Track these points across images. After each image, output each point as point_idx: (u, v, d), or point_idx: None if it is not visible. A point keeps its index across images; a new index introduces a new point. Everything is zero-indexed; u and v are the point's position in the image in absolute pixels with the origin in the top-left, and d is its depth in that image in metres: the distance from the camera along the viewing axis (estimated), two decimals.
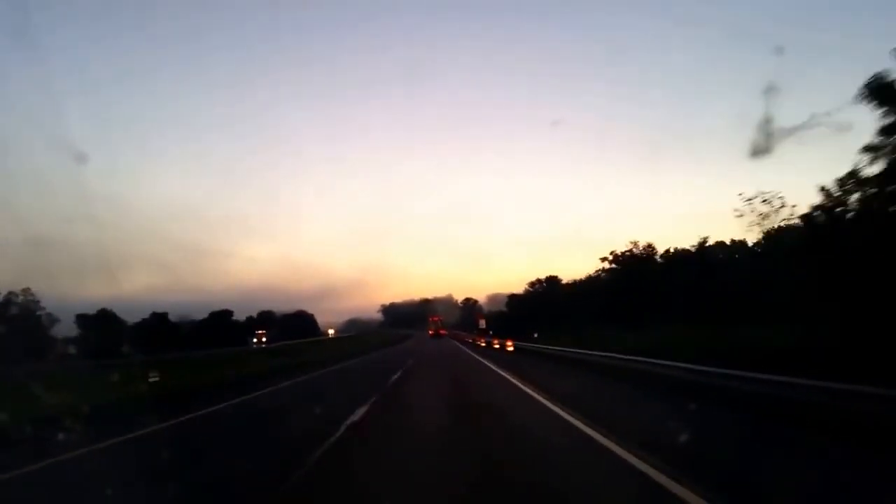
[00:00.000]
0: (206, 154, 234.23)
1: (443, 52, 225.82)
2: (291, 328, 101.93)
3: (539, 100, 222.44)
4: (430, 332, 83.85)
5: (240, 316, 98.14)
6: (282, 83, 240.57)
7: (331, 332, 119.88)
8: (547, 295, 77.38)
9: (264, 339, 63.00)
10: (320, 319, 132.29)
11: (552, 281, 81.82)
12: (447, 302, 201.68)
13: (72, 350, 55.61)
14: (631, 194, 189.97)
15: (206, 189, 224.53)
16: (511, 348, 30.93)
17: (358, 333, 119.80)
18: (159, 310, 72.91)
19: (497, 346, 36.60)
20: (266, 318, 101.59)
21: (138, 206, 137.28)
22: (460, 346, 48.93)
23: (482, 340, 45.94)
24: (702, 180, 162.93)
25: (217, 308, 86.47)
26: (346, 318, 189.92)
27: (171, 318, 75.20)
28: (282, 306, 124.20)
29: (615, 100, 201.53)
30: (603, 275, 53.80)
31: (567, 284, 77.71)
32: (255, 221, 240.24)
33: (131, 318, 70.68)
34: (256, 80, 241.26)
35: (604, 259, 52.18)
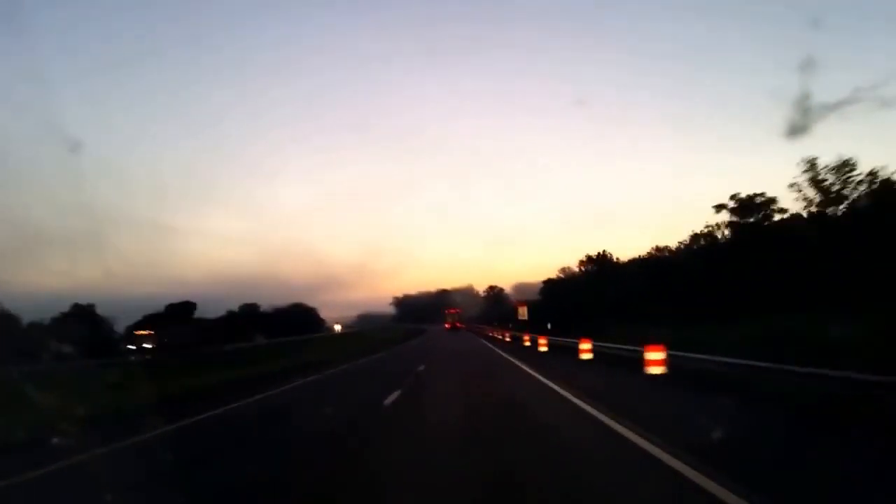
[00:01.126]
0: (189, 128, 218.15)
1: (451, 28, 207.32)
2: (290, 323, 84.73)
3: (562, 77, 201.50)
4: (447, 326, 77.91)
5: (219, 310, 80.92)
6: (281, 55, 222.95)
7: (337, 327, 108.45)
8: (599, 277, 57.96)
9: (146, 346, 43.91)
10: (329, 314, 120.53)
11: (603, 260, 62.01)
12: (467, 293, 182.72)
13: None
14: (660, 175, 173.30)
15: (186, 166, 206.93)
16: (660, 370, 11.60)
17: (361, 330, 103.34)
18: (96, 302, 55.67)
19: (586, 356, 17.61)
20: (250, 313, 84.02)
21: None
22: (496, 352, 29.39)
23: (532, 341, 26.47)
24: (734, 160, 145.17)
25: (178, 300, 68.61)
26: (357, 311, 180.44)
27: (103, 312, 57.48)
28: (282, 299, 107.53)
29: (642, 76, 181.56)
30: (718, 233, 34.41)
31: (626, 262, 57.98)
32: (247, 206, 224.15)
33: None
34: (250, 52, 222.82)
35: (721, 207, 32.44)
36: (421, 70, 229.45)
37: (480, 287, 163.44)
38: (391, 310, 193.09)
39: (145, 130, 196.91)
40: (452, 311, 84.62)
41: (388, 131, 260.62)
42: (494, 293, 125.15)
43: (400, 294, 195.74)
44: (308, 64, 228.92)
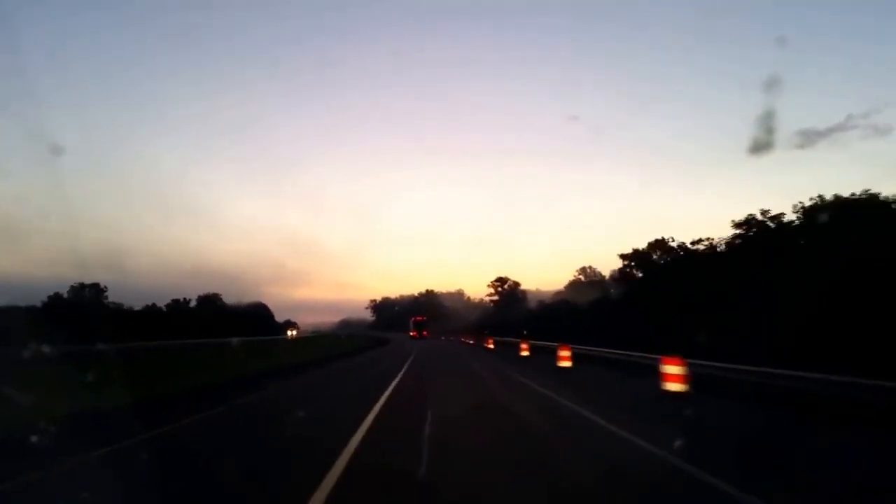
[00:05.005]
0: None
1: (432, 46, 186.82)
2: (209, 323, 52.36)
3: (552, 93, 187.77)
4: (413, 334, 78.76)
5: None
6: (268, 71, 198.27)
7: (292, 333, 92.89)
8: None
9: None
10: (307, 318, 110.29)
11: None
12: (457, 298, 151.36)
13: None
14: (656, 192, 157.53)
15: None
16: None
17: (317, 338, 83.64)
18: None
19: None
20: (84, 302, 49.37)
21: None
22: None
23: None
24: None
25: None
26: (342, 316, 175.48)
27: None
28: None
29: (626, 97, 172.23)
30: None
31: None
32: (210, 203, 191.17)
33: None
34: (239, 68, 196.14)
35: None
36: (421, 74, 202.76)
37: (473, 293, 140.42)
38: (368, 314, 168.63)
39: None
40: (418, 318, 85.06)
41: (372, 153, 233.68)
42: (506, 290, 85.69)
43: (378, 297, 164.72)
44: (288, 65, 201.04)
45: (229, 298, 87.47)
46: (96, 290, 49.66)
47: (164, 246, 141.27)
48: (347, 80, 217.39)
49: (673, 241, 33.58)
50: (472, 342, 50.47)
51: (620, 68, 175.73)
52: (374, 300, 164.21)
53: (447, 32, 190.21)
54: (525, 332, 27.14)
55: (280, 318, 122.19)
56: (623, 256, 37.78)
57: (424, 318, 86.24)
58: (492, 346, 36.14)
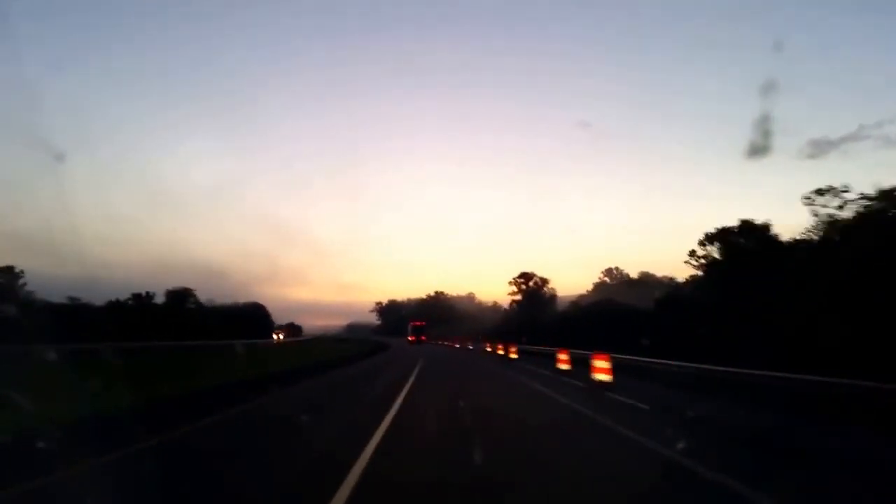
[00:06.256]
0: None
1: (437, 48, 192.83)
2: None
3: (561, 101, 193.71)
4: (412, 339, 75.36)
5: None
6: (269, 66, 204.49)
7: (277, 337, 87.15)
8: None
9: None
10: (315, 321, 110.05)
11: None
12: (467, 301, 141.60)
13: None
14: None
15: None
16: None
17: (310, 341, 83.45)
18: None
19: None
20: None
21: None
22: None
23: None
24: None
25: None
26: (349, 320, 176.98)
27: None
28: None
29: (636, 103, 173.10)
30: None
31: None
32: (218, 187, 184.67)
33: None
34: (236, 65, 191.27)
35: None
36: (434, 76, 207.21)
37: (484, 296, 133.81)
38: (374, 317, 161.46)
39: None
40: (417, 323, 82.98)
41: (381, 154, 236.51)
42: (532, 288, 72.55)
43: (385, 300, 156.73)
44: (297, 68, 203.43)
45: (224, 298, 78.72)
46: (11, 275, 39.98)
47: (133, 235, 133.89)
48: (356, 78, 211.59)
49: (834, 190, 22.05)
50: (512, 354, 29.82)
51: (630, 75, 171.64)
52: (380, 303, 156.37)
53: (457, 34, 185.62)
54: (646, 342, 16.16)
55: (282, 320, 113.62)
56: (710, 237, 27.10)
57: (423, 323, 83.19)
58: (607, 377, 14.03)
